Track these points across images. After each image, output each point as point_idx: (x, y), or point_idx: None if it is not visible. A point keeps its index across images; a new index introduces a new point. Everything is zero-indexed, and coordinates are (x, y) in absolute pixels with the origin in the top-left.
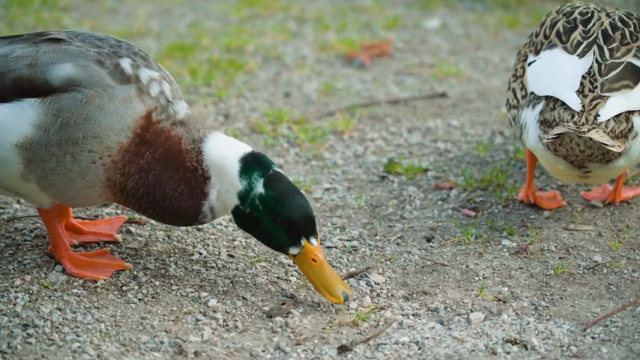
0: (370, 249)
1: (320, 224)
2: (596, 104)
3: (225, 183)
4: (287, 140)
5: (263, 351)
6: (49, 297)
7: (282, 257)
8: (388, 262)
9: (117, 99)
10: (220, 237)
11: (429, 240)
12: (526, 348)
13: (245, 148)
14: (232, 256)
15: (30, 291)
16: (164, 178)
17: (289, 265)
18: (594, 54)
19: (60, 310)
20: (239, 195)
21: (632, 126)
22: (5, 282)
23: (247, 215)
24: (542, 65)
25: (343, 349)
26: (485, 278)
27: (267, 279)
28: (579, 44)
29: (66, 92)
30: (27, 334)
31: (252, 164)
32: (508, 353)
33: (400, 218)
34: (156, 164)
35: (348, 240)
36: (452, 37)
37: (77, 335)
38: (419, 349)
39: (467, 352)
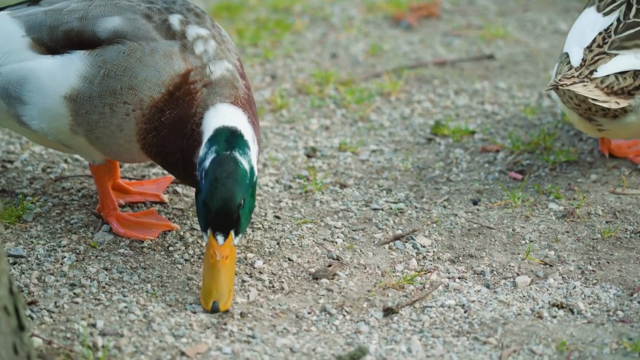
0: (416, 212)
1: (366, 185)
2: (597, 60)
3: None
4: (333, 101)
5: (309, 313)
6: (96, 256)
7: (329, 219)
8: (434, 225)
9: (158, 53)
10: (267, 198)
11: (475, 203)
12: (572, 312)
13: (232, 122)
14: (278, 217)
15: (77, 251)
16: (168, 140)
17: (335, 227)
18: (619, 13)
19: (106, 270)
20: (198, 160)
21: None
22: (53, 242)
23: (196, 183)
24: (575, 23)
25: (389, 311)
26: (531, 242)
27: (313, 241)
28: (611, 2)
29: (111, 44)
30: (74, 293)
31: (220, 137)
32: (554, 317)
33: (447, 181)
34: (166, 126)
35: (394, 203)
36: None
37: (124, 295)
38: (465, 312)
39: (513, 315)
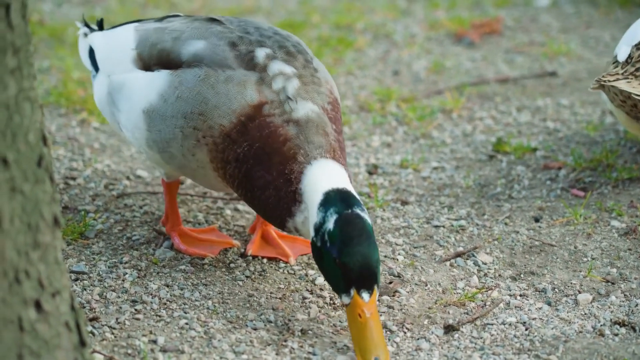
0: (477, 229)
1: (428, 202)
2: None
3: (311, 213)
4: (395, 118)
5: None
6: (157, 273)
7: (390, 236)
8: (496, 242)
9: (232, 82)
10: None
11: (537, 220)
12: (634, 330)
13: (340, 184)
14: None
15: (139, 267)
16: (255, 174)
17: (396, 244)
18: None
19: (168, 286)
20: (314, 226)
21: None
22: (114, 258)
23: (317, 249)
24: (630, 27)
25: (450, 329)
26: (593, 259)
27: None
28: None
29: (190, 67)
30: (135, 309)
31: (334, 199)
32: (616, 335)
33: (509, 198)
34: (250, 158)
35: (456, 220)
36: (563, 15)
37: (185, 312)
38: (526, 329)
39: (575, 333)
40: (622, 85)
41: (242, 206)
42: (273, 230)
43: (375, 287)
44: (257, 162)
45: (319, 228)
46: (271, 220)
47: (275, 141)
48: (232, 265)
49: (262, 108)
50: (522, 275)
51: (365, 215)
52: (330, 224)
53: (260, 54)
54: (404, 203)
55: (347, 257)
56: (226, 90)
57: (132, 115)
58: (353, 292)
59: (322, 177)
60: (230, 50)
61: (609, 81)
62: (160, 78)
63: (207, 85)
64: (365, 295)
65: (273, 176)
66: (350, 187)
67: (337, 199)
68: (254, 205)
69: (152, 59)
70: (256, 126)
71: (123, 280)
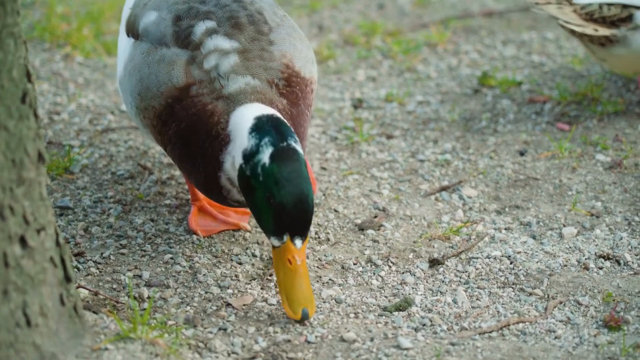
0: (462, 163)
1: (413, 136)
2: None
3: (238, 142)
4: (380, 52)
5: (354, 264)
6: (142, 208)
7: (375, 170)
8: (481, 176)
9: (163, 62)
10: (313, 149)
11: (522, 154)
12: (619, 263)
13: (269, 110)
14: (324, 169)
15: (124, 202)
16: (185, 153)
17: (382, 179)
18: None
19: (152, 221)
20: (243, 153)
21: (631, 17)
22: (99, 193)
23: (246, 178)
24: None
25: (434, 263)
26: (578, 193)
27: (359, 192)
28: None
29: (141, 41)
30: (120, 244)
31: (267, 126)
32: (600, 268)
33: (494, 131)
34: (179, 138)
35: (441, 154)
36: None
37: (170, 247)
38: (511, 263)
39: (559, 266)
40: (552, 10)
41: None
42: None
43: (308, 233)
44: (185, 140)
45: (250, 156)
46: (212, 195)
47: (202, 117)
48: None
49: (190, 89)
50: (507, 209)
51: (300, 149)
52: (265, 157)
53: (199, 29)
54: (389, 137)
55: (285, 199)
56: (157, 71)
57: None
58: (286, 237)
59: (248, 110)
60: (172, 25)
61: (541, 4)
62: (127, 48)
63: (145, 64)
64: (298, 241)
65: (199, 145)
66: (279, 115)
67: (270, 126)
68: (196, 184)
69: (129, 25)
70: (183, 107)
71: (108, 215)
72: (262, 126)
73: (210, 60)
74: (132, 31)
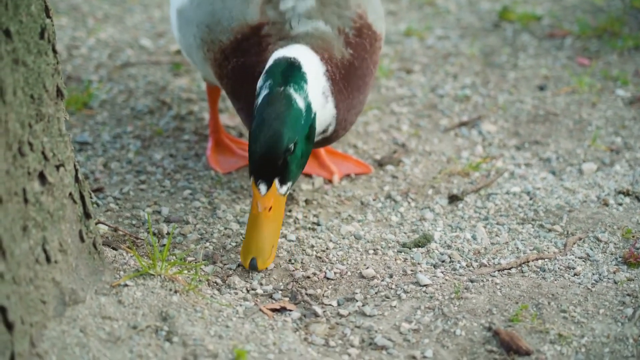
0: (482, 98)
1: (432, 71)
2: None
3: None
4: None
5: (374, 199)
6: (161, 143)
7: (394, 105)
8: (500, 111)
9: None
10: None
11: (542, 89)
12: (638, 200)
13: (294, 54)
14: None
15: (143, 137)
16: (236, 88)
17: (401, 114)
18: None
19: (171, 156)
20: (257, 95)
21: None
22: (118, 128)
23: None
24: None
25: (454, 198)
26: (598, 128)
27: (378, 127)
28: None
29: None
30: (140, 180)
31: (278, 68)
32: (620, 204)
33: (513, 66)
34: (235, 73)
35: (460, 89)
36: None
37: (189, 182)
38: (530, 199)
39: (579, 202)
40: None
41: None
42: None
43: (276, 181)
44: (238, 76)
45: (257, 95)
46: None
47: (258, 56)
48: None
49: (262, 28)
50: (526, 145)
51: (297, 95)
52: (259, 99)
53: None
54: (409, 72)
55: (252, 140)
56: (231, 6)
57: (172, 11)
58: (251, 180)
59: (284, 51)
60: None
61: None
62: None
63: None
64: (262, 187)
65: (249, 82)
66: (304, 59)
67: (280, 70)
68: (243, 120)
69: None
70: (250, 45)
71: (127, 151)
72: (272, 69)
73: (287, 1)
74: None
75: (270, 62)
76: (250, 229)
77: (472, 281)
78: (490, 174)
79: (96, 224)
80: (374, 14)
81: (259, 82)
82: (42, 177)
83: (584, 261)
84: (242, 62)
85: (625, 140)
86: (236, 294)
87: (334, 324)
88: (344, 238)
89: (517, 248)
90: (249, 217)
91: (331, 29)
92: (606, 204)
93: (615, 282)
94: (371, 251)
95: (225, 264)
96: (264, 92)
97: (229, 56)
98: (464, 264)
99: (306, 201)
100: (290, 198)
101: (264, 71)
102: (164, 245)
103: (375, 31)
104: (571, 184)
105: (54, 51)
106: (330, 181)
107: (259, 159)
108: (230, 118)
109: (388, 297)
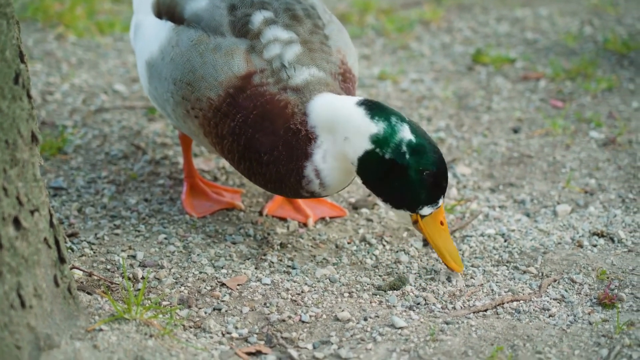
0: (456, 140)
1: (406, 114)
2: None
3: (341, 132)
4: (374, 30)
5: (349, 242)
6: (136, 188)
7: None
8: (474, 154)
9: (220, 51)
10: None
11: (516, 132)
12: (613, 241)
13: (355, 98)
14: None
15: (117, 182)
16: (258, 140)
17: None
18: None
19: (146, 201)
20: (373, 138)
21: None
22: (93, 173)
23: (384, 162)
24: None
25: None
26: (572, 170)
27: None
28: None
29: (189, 27)
30: (114, 225)
31: (377, 108)
32: (594, 246)
33: (487, 109)
34: (249, 127)
35: (435, 132)
36: None
37: (164, 227)
38: (505, 241)
39: (553, 244)
40: None
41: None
42: None
43: None
44: (257, 129)
45: (386, 139)
46: (284, 185)
47: (275, 107)
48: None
49: (252, 78)
50: (500, 187)
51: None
52: (406, 134)
53: (257, 18)
54: None
55: (439, 166)
56: (213, 60)
57: (139, 60)
58: (441, 200)
59: (330, 100)
60: (228, 14)
61: None
62: (163, 31)
63: (196, 53)
64: (441, 202)
65: (279, 134)
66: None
67: (378, 108)
68: (262, 175)
69: (164, 7)
70: (248, 97)
71: (102, 196)
72: (376, 109)
73: (271, 49)
74: (171, 15)
75: (356, 105)
76: (447, 239)
77: (447, 323)
78: (465, 216)
79: (71, 268)
80: (351, 57)
81: (378, 125)
82: (16, 222)
83: (558, 302)
84: (256, 115)
85: (600, 182)
86: (212, 337)
87: None
88: (319, 281)
89: (492, 290)
90: (438, 235)
91: (324, 74)
92: (580, 246)
93: (590, 323)
94: (346, 294)
95: (200, 308)
96: (404, 128)
97: (229, 112)
98: (439, 306)
99: (281, 244)
100: (265, 242)
101: (369, 113)
102: (139, 289)
103: (354, 74)
104: (545, 225)
105: (29, 96)
106: (305, 224)
107: (446, 179)
108: (205, 162)
109: (363, 340)
